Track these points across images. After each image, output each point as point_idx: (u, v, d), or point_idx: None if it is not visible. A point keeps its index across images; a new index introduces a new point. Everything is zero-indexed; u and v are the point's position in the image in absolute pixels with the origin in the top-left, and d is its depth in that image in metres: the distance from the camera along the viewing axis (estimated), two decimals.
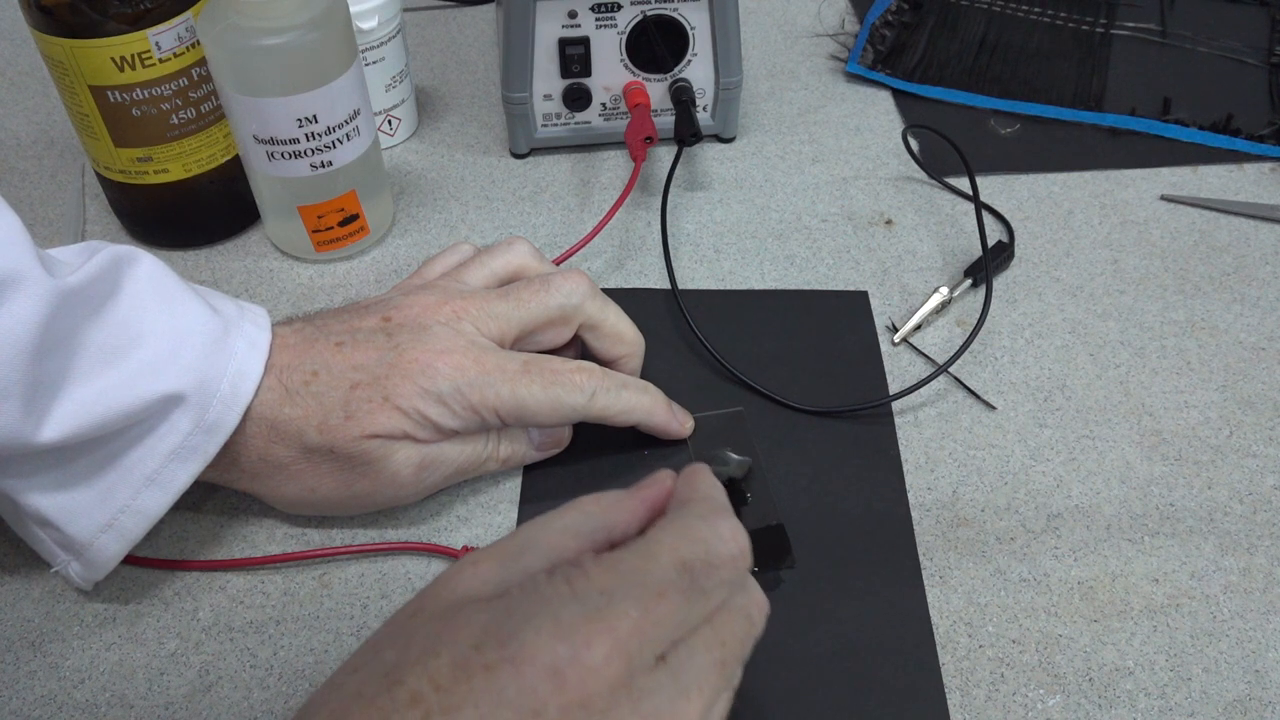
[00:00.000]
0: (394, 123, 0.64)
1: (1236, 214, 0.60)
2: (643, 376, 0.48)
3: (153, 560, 0.44)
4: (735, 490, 0.45)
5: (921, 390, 0.50)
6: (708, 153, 0.65)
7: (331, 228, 0.55)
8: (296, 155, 0.51)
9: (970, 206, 0.60)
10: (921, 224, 0.60)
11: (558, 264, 0.54)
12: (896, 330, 0.53)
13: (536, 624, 0.28)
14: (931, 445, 0.48)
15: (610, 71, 0.61)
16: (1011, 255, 0.57)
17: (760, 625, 0.33)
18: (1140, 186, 0.62)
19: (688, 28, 0.60)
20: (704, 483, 0.35)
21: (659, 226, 0.57)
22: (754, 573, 0.42)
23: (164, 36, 0.50)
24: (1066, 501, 0.46)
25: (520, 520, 0.45)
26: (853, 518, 0.45)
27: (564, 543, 0.32)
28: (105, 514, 0.39)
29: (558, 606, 0.28)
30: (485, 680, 0.27)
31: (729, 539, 0.32)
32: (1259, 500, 0.46)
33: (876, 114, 0.68)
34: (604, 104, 0.62)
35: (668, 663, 0.29)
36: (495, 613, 0.28)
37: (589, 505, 0.34)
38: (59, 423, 0.36)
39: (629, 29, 0.59)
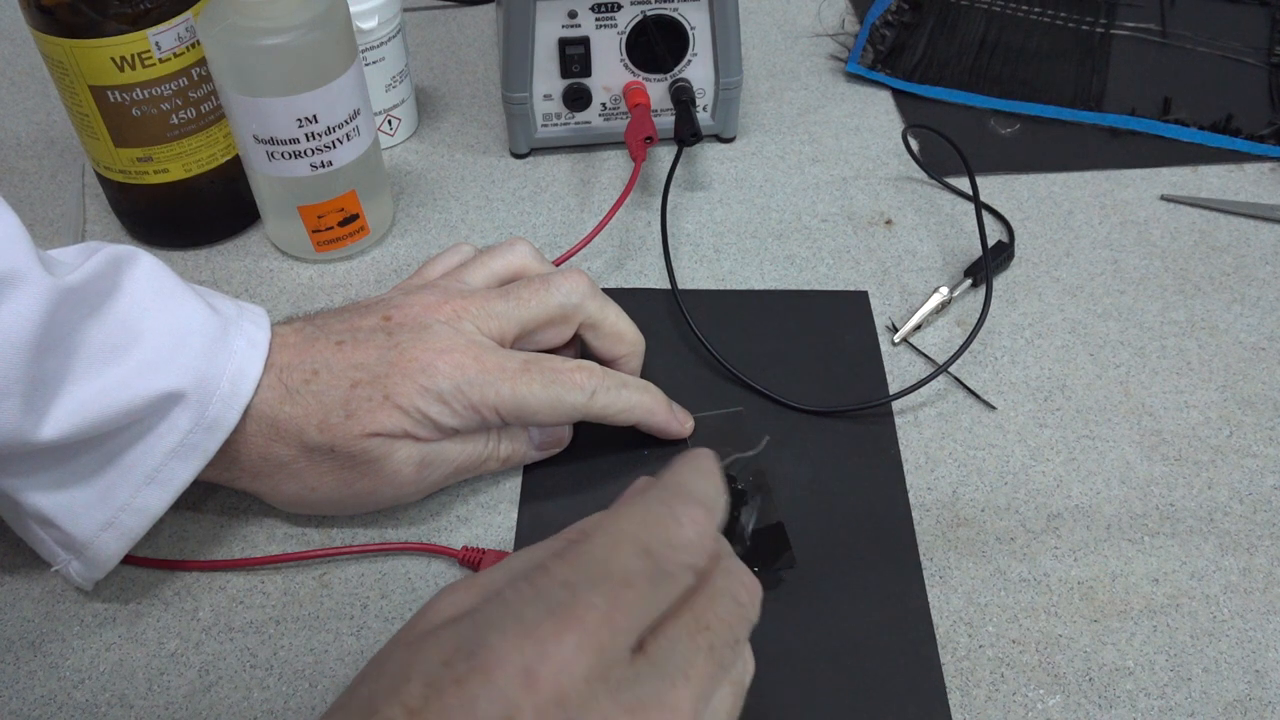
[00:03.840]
0: (394, 123, 0.64)
1: (1236, 214, 0.60)
2: (643, 376, 0.47)
3: (153, 560, 0.44)
4: (735, 491, 0.45)
5: (921, 390, 0.50)
6: (708, 153, 0.65)
7: (331, 228, 0.55)
8: (296, 155, 0.51)
9: (970, 206, 0.60)
10: (921, 224, 0.60)
11: (558, 264, 0.54)
12: (896, 330, 0.53)
13: (501, 628, 0.27)
14: (931, 445, 0.48)
15: (610, 71, 0.61)
16: (1011, 255, 0.57)
17: (752, 608, 0.32)
18: (1140, 186, 0.62)
19: (688, 28, 0.60)
20: (677, 468, 0.34)
21: (659, 226, 0.57)
22: (755, 572, 0.43)
23: (164, 36, 0.50)
24: (1066, 501, 0.46)
25: (520, 520, 0.45)
26: (853, 518, 0.45)
27: (538, 555, 0.31)
28: (105, 512, 0.39)
29: (520, 608, 0.28)
30: (456, 694, 0.26)
31: (686, 523, 0.31)
32: (1259, 500, 0.46)
33: (876, 114, 0.68)
34: (604, 104, 0.62)
35: (647, 652, 0.29)
36: (463, 629, 0.28)
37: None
38: (59, 421, 0.36)
39: (629, 29, 0.59)
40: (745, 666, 0.32)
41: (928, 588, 0.43)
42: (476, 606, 0.29)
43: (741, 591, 0.32)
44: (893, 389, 0.50)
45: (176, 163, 0.54)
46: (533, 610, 0.27)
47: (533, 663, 0.26)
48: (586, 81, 0.61)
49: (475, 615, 0.28)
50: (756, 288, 0.56)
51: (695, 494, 0.32)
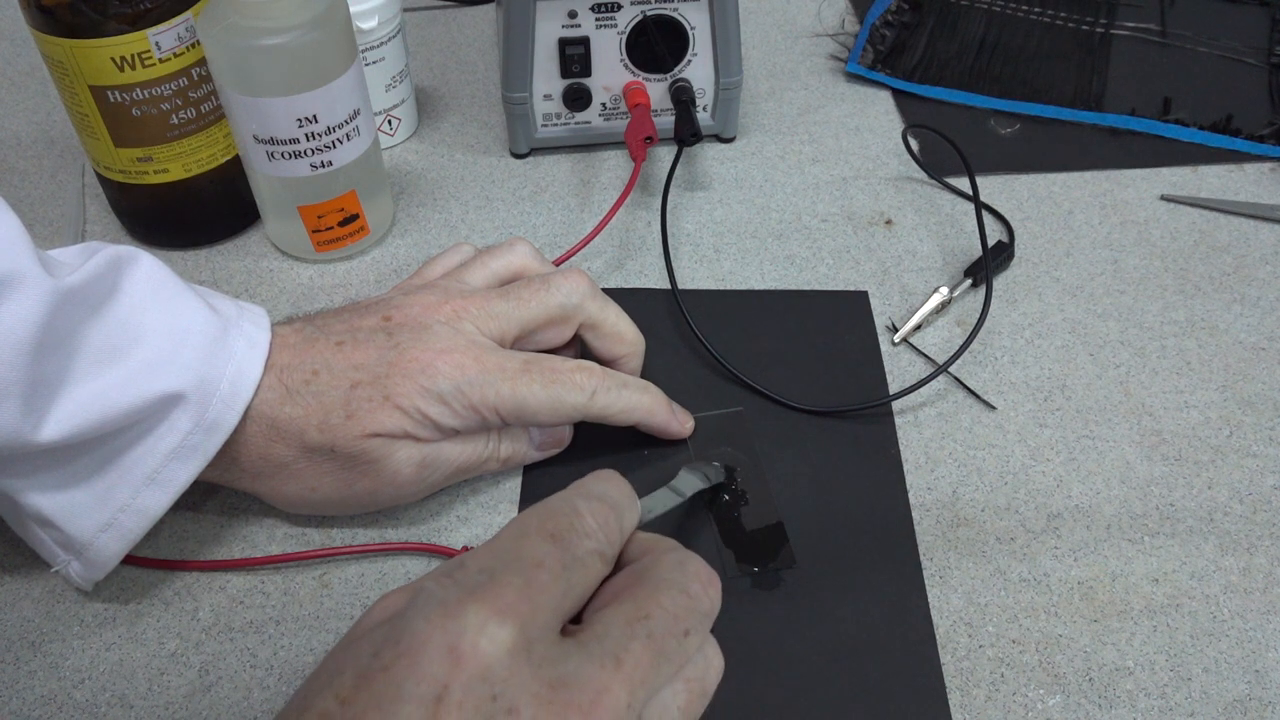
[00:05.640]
0: (394, 123, 0.64)
1: (1236, 214, 0.60)
2: (643, 376, 0.48)
3: (153, 560, 0.44)
4: (732, 493, 0.45)
5: (921, 390, 0.50)
6: (708, 153, 0.65)
7: (331, 228, 0.55)
8: (296, 155, 0.51)
9: (970, 206, 0.60)
10: (921, 224, 0.60)
11: (558, 264, 0.54)
12: (896, 330, 0.53)
13: (425, 614, 0.28)
14: (931, 445, 0.48)
15: (610, 71, 0.61)
16: (1011, 255, 0.57)
17: (705, 599, 0.32)
18: (1140, 186, 0.62)
19: (688, 28, 0.60)
20: (582, 478, 0.35)
21: (659, 226, 0.57)
22: (754, 572, 0.43)
23: (164, 36, 0.50)
24: (1066, 501, 0.46)
25: None
26: (853, 518, 0.45)
27: (459, 557, 0.32)
28: (105, 513, 0.39)
29: (442, 594, 0.28)
30: (384, 680, 0.27)
31: (586, 514, 0.32)
32: (1259, 500, 0.46)
33: (876, 114, 0.68)
34: (604, 104, 0.62)
35: (578, 635, 0.29)
36: (391, 623, 0.29)
37: None
38: (59, 422, 0.36)
39: (629, 29, 0.59)
40: (707, 665, 0.32)
41: (928, 588, 0.43)
42: (405, 604, 0.30)
43: (693, 584, 0.32)
44: (893, 389, 0.50)
45: (176, 163, 0.54)
46: (453, 595, 0.28)
47: (455, 640, 0.27)
48: (586, 81, 0.61)
49: (402, 610, 0.29)
50: (756, 288, 0.56)
51: (595, 492, 0.33)
